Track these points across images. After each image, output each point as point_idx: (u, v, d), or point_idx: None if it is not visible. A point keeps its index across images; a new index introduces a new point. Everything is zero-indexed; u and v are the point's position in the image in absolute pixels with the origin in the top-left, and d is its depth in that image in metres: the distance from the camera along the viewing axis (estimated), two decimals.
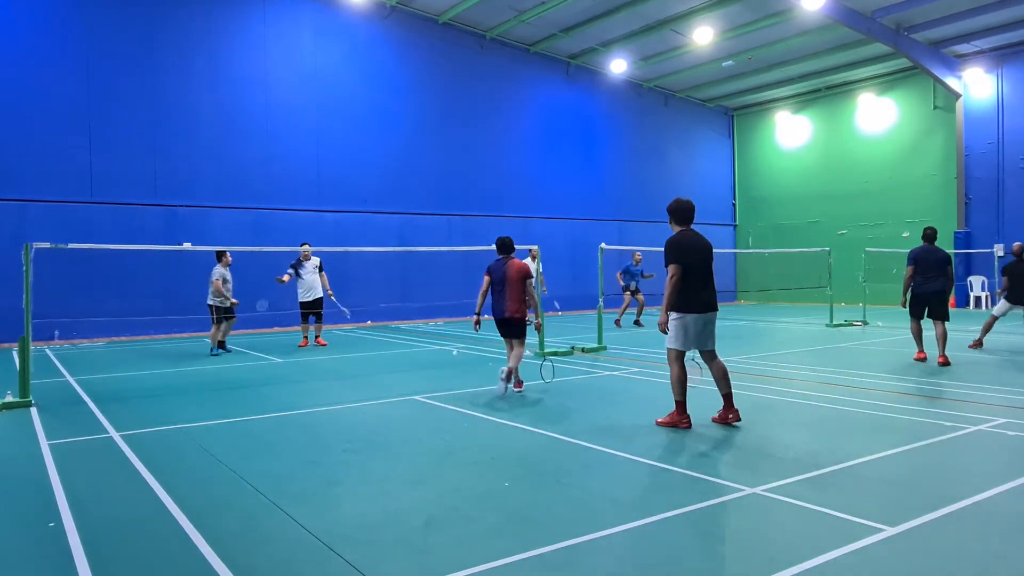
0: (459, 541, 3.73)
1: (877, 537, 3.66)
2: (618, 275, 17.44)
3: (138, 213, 15.87)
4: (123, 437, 6.22)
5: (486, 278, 8.26)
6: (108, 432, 6.44)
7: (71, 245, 9.07)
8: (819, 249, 18.92)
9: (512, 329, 8.23)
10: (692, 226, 6.42)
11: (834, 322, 16.46)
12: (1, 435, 6.46)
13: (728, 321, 18.75)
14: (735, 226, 28.41)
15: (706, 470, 4.90)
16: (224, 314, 12.39)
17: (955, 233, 21.64)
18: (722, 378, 6.31)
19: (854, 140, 24.53)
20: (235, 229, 16.90)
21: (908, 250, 10.68)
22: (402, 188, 19.67)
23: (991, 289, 21.04)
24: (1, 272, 13.63)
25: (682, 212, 6.38)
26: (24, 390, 7.74)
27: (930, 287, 10.06)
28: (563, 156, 23.11)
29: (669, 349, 6.32)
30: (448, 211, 20.47)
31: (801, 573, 3.26)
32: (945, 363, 9.85)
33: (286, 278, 13.50)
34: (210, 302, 12.29)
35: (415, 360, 11.47)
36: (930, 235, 10.44)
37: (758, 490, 4.45)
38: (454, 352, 10.76)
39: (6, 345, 13.75)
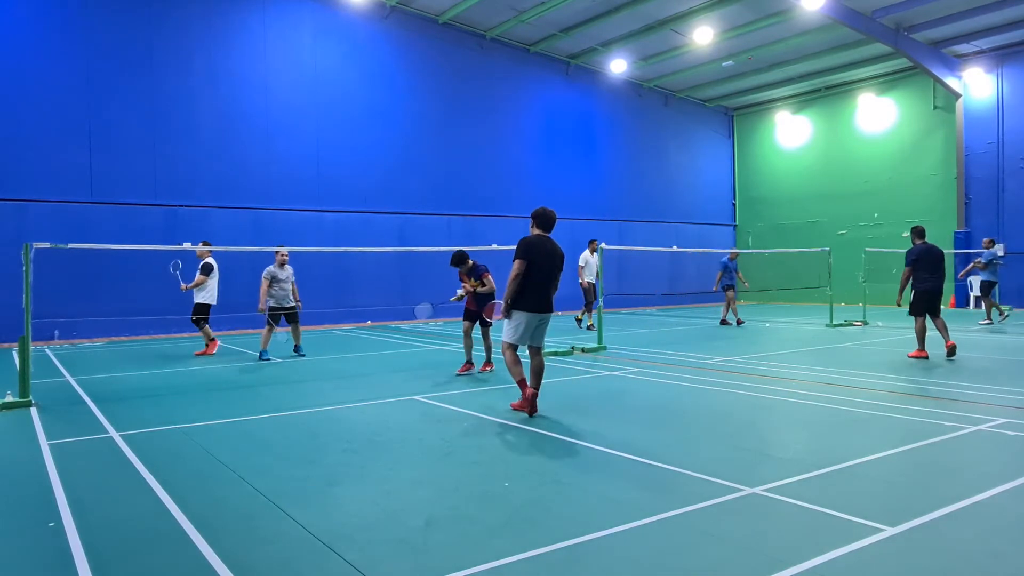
0: (459, 541, 3.73)
1: (877, 537, 3.66)
2: (719, 274, 17.61)
3: (138, 213, 15.87)
4: (123, 437, 6.22)
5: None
6: (108, 432, 6.44)
7: (71, 245, 9.07)
8: (819, 249, 18.91)
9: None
10: (550, 235, 6.99)
11: (834, 322, 16.46)
12: (1, 435, 6.45)
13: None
14: (735, 226, 28.41)
15: (706, 470, 4.89)
16: (275, 314, 11.51)
17: (955, 233, 21.65)
18: (536, 373, 6.88)
19: (854, 140, 24.53)
20: (235, 229, 16.90)
21: (908, 250, 10.84)
22: (402, 188, 19.66)
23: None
24: (1, 272, 13.63)
25: (544, 219, 6.95)
26: (24, 390, 7.74)
27: (935, 284, 10.51)
28: (563, 156, 23.10)
29: (504, 341, 6.92)
30: (448, 211, 20.47)
31: (801, 573, 3.26)
32: (954, 346, 10.43)
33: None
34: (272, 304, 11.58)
35: (415, 360, 11.47)
36: (922, 232, 10.93)
37: (758, 490, 4.45)
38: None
39: (6, 345, 13.74)
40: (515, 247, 6.80)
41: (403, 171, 19.70)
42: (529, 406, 6.74)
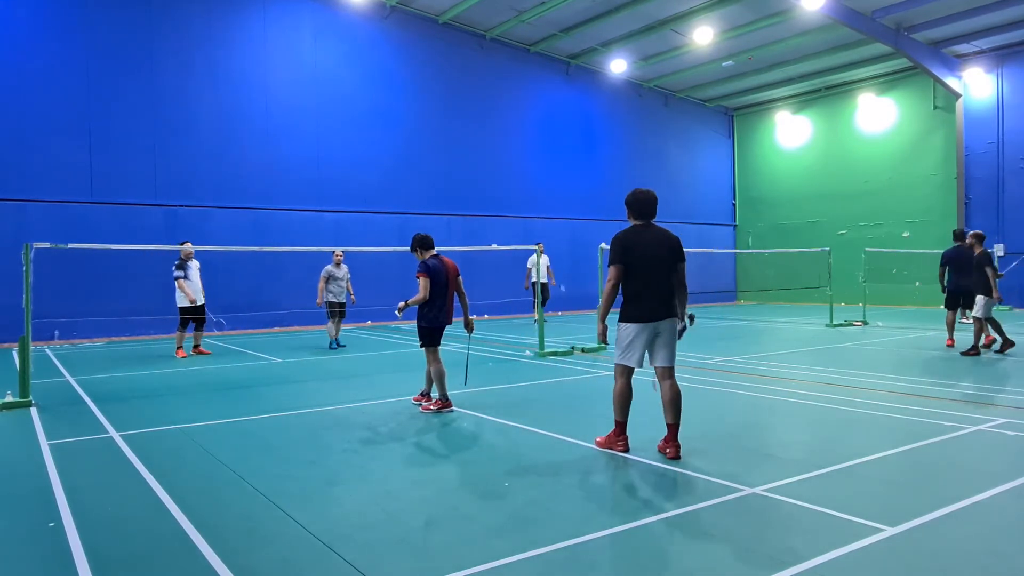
0: (459, 541, 3.73)
1: (877, 537, 3.66)
2: None
3: (138, 213, 15.87)
4: (123, 437, 6.22)
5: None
6: (108, 432, 6.44)
7: (71, 245, 9.07)
8: (819, 249, 18.91)
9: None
10: (654, 221, 5.60)
11: (834, 322, 16.46)
12: (1, 435, 6.45)
13: (728, 321, 18.75)
14: (735, 226, 28.41)
15: (706, 470, 4.90)
16: (333, 310, 12.91)
17: (955, 233, 21.63)
18: (670, 403, 5.39)
19: (854, 140, 24.52)
20: (235, 229, 16.90)
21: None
22: (402, 188, 19.67)
23: None
24: (1, 272, 13.63)
25: (640, 205, 5.54)
26: (24, 390, 7.74)
27: (963, 283, 11.47)
28: (563, 156, 23.10)
29: (616, 364, 5.57)
30: (448, 211, 20.47)
31: (801, 573, 3.26)
32: (989, 344, 11.32)
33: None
34: (328, 299, 12.95)
35: (415, 360, 11.46)
36: (959, 235, 12.01)
37: (758, 490, 4.45)
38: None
39: (6, 345, 13.74)
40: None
41: (403, 171, 19.70)
42: (672, 448, 5.33)
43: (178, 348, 12.16)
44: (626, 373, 5.55)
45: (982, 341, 10.97)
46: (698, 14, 19.41)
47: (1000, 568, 3.34)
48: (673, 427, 5.40)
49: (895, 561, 3.40)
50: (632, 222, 5.61)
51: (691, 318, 5.64)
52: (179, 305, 12.09)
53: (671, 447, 5.35)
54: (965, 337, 12.11)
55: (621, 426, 5.56)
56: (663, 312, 5.41)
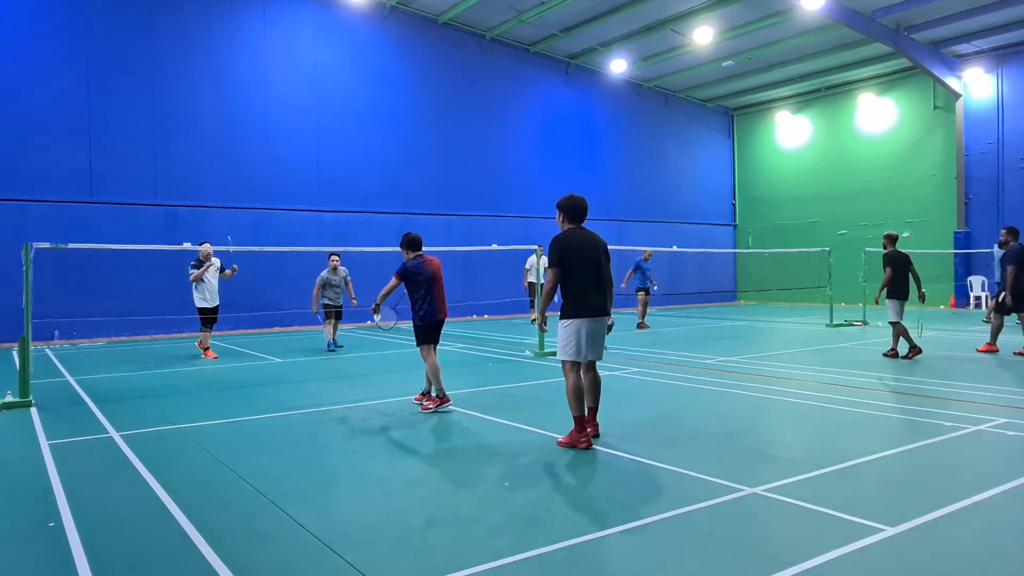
0: (459, 541, 3.73)
1: (877, 537, 3.66)
2: (630, 272, 16.95)
3: (138, 213, 15.87)
4: (123, 437, 6.22)
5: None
6: (108, 432, 6.44)
7: (71, 245, 9.08)
8: (819, 249, 18.91)
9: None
10: (584, 224, 5.94)
11: (834, 322, 16.46)
12: (1, 435, 6.45)
13: (728, 321, 18.76)
14: (735, 226, 28.41)
15: (706, 470, 4.89)
16: (328, 311, 12.81)
17: (955, 233, 21.64)
18: (593, 390, 5.86)
19: (854, 140, 24.52)
20: (235, 229, 16.88)
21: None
22: (402, 188, 19.67)
23: (991, 289, 21.02)
24: (1, 272, 13.62)
25: (574, 210, 5.88)
26: (24, 390, 7.74)
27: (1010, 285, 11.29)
28: (563, 156, 23.10)
29: (563, 361, 5.80)
30: (448, 211, 20.47)
31: (801, 573, 3.26)
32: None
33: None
34: (324, 301, 12.90)
35: (415, 360, 11.46)
36: (1018, 232, 11.77)
37: (758, 490, 4.45)
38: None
39: (6, 345, 13.74)
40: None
41: (403, 171, 19.70)
42: (592, 427, 5.81)
43: (205, 349, 12.10)
44: (576, 368, 5.79)
45: (896, 346, 10.72)
46: (698, 14, 19.42)
47: (1000, 568, 3.34)
48: (593, 409, 5.87)
49: (895, 561, 3.40)
50: (564, 226, 5.94)
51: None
52: (197, 306, 11.98)
53: (591, 426, 5.81)
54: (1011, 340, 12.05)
55: (580, 420, 5.68)
56: (601, 309, 5.80)
